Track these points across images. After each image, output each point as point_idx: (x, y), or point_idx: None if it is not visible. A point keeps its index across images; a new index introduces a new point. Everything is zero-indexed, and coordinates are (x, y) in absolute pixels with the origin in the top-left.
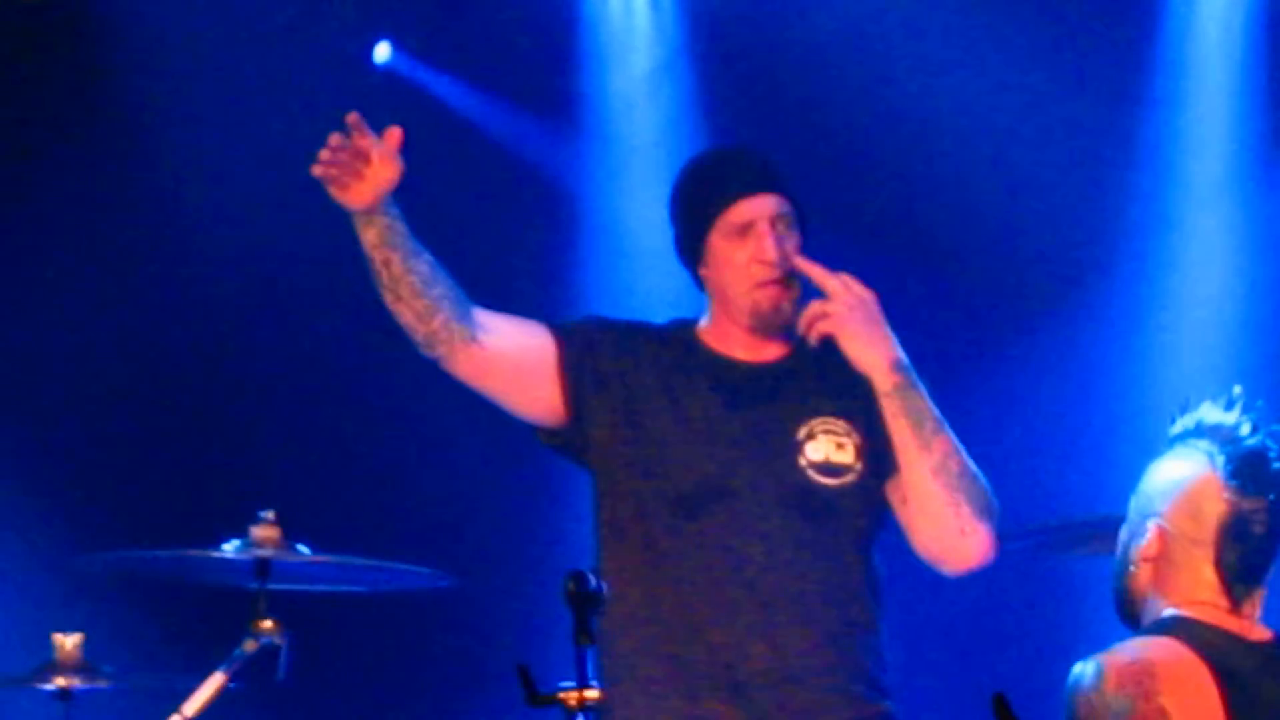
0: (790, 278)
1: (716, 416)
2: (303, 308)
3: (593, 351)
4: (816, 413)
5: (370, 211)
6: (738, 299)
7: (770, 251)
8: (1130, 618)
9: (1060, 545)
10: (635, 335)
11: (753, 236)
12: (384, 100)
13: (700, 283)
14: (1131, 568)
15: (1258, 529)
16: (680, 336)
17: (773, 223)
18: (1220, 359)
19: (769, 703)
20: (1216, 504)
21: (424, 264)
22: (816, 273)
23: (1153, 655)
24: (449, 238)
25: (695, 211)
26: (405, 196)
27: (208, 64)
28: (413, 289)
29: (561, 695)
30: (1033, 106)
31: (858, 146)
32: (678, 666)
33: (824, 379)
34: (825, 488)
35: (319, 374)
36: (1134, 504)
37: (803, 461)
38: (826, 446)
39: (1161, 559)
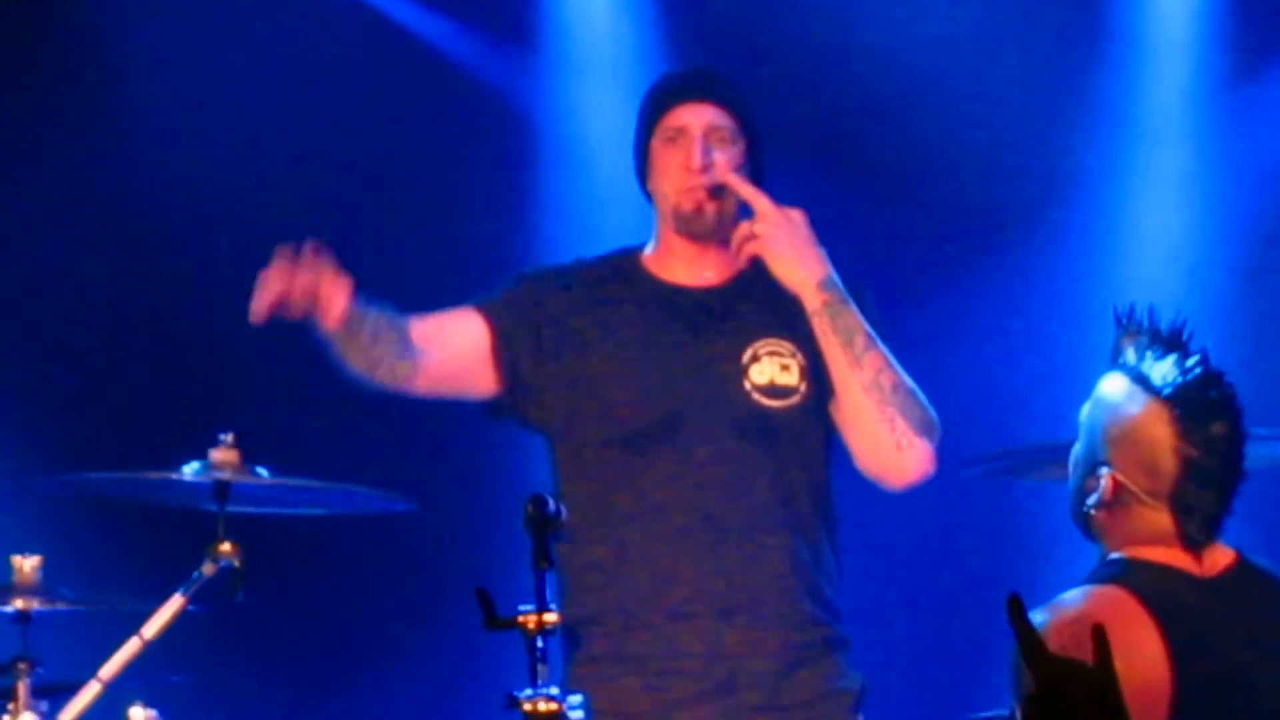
0: (719, 189)
1: (661, 347)
2: (263, 231)
3: (524, 316)
4: (760, 335)
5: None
6: (664, 203)
7: (695, 158)
8: (1092, 540)
9: (1021, 469)
10: (568, 280)
11: (683, 143)
12: (346, 26)
13: (649, 198)
14: (1088, 510)
15: (1213, 481)
16: (620, 265)
17: (706, 132)
18: (1175, 290)
19: (721, 631)
20: (1170, 458)
21: (367, 332)
22: (745, 191)
23: (1092, 609)
24: (411, 163)
25: (641, 119)
26: (370, 124)
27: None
28: (359, 357)
29: (520, 619)
30: (994, 26)
31: (821, 76)
32: (630, 597)
33: (768, 301)
34: (771, 410)
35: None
36: (1084, 437)
37: (747, 385)
38: (771, 369)
39: (1115, 505)
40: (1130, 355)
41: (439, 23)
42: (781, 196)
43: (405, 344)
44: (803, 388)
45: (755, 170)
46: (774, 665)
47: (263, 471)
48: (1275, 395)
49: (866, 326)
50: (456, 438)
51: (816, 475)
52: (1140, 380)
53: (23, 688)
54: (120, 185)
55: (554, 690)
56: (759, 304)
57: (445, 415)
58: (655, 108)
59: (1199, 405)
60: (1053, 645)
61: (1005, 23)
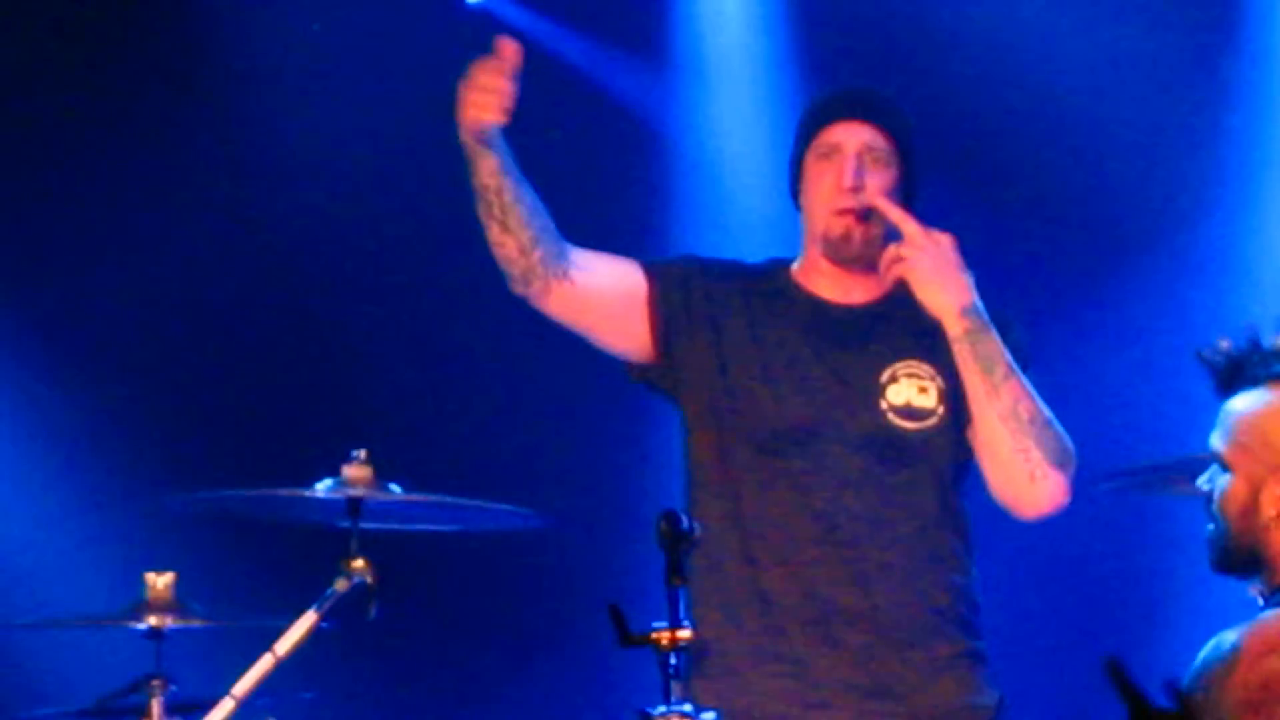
0: (868, 212)
1: (802, 359)
2: (395, 246)
3: (684, 290)
4: (900, 356)
5: (493, 136)
6: (814, 223)
7: (847, 178)
8: (1240, 571)
9: (1153, 485)
10: (728, 275)
11: (836, 161)
12: (476, 41)
13: (800, 211)
14: (1263, 521)
15: None
16: (773, 276)
17: (860, 151)
18: None
19: (856, 641)
20: None
21: (529, 195)
22: (895, 214)
23: None
24: (541, 178)
25: (798, 134)
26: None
27: (296, 7)
28: (520, 219)
29: (654, 635)
30: (1125, 49)
31: (956, 93)
32: (766, 605)
33: (913, 322)
34: (906, 431)
35: (412, 313)
36: (1240, 460)
37: (884, 405)
38: (908, 390)
39: None
40: (1257, 368)
41: (571, 37)
42: (921, 213)
43: (562, 245)
44: (940, 411)
45: (908, 193)
46: (907, 677)
47: (395, 488)
48: None
49: (1007, 356)
50: (590, 453)
51: (949, 496)
52: None
53: (156, 705)
54: (251, 200)
55: (687, 707)
56: (902, 325)
57: (579, 431)
58: (812, 123)
59: None
60: (1243, 668)
61: (1138, 45)
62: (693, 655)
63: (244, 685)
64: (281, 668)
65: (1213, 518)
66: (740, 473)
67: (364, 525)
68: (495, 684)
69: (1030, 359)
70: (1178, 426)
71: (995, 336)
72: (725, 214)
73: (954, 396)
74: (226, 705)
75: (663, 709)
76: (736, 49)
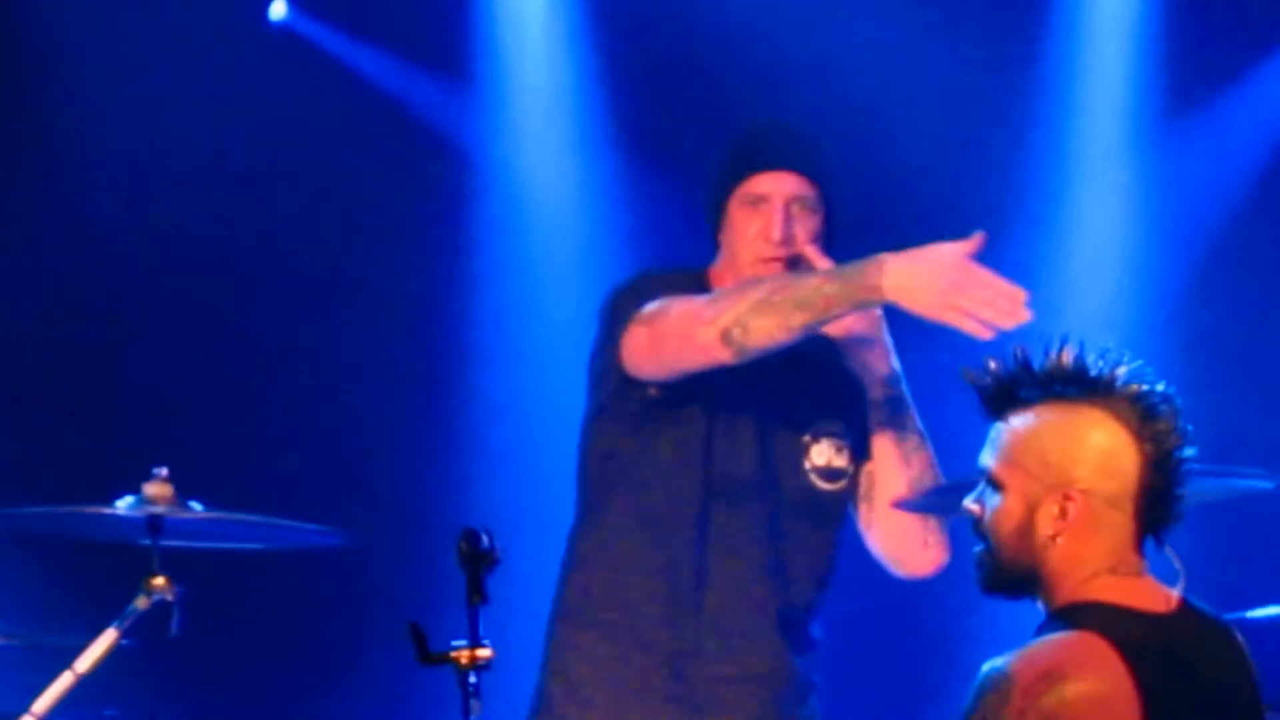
0: (794, 260)
1: (730, 408)
2: (197, 265)
3: None
4: (821, 414)
5: None
6: (738, 265)
7: (775, 230)
8: (1012, 591)
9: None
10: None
11: (764, 211)
12: (280, 57)
13: (716, 246)
14: (1043, 543)
15: (1171, 478)
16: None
17: (787, 202)
18: (1108, 322)
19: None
20: (1132, 458)
21: None
22: (822, 266)
23: (1065, 658)
24: (345, 196)
25: (720, 176)
26: (302, 155)
27: (100, 21)
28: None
29: (454, 654)
30: (931, 73)
31: (751, 110)
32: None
33: (832, 373)
34: (825, 493)
35: (213, 330)
36: (1015, 474)
37: (808, 465)
38: (829, 451)
39: (1082, 525)
40: (1054, 374)
41: (373, 53)
42: None
43: None
44: (849, 470)
45: (829, 234)
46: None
47: (196, 505)
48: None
49: (919, 425)
50: (392, 472)
51: (836, 550)
52: (1068, 393)
53: None
54: (56, 220)
55: None
56: (824, 375)
57: (381, 449)
58: (738, 168)
59: (1149, 406)
60: (1017, 698)
61: (945, 56)
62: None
63: (44, 702)
64: (83, 686)
65: (983, 538)
66: (662, 515)
67: (165, 542)
68: (297, 703)
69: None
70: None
71: (912, 406)
72: (528, 230)
73: (858, 456)
74: None
75: None
76: (539, 63)
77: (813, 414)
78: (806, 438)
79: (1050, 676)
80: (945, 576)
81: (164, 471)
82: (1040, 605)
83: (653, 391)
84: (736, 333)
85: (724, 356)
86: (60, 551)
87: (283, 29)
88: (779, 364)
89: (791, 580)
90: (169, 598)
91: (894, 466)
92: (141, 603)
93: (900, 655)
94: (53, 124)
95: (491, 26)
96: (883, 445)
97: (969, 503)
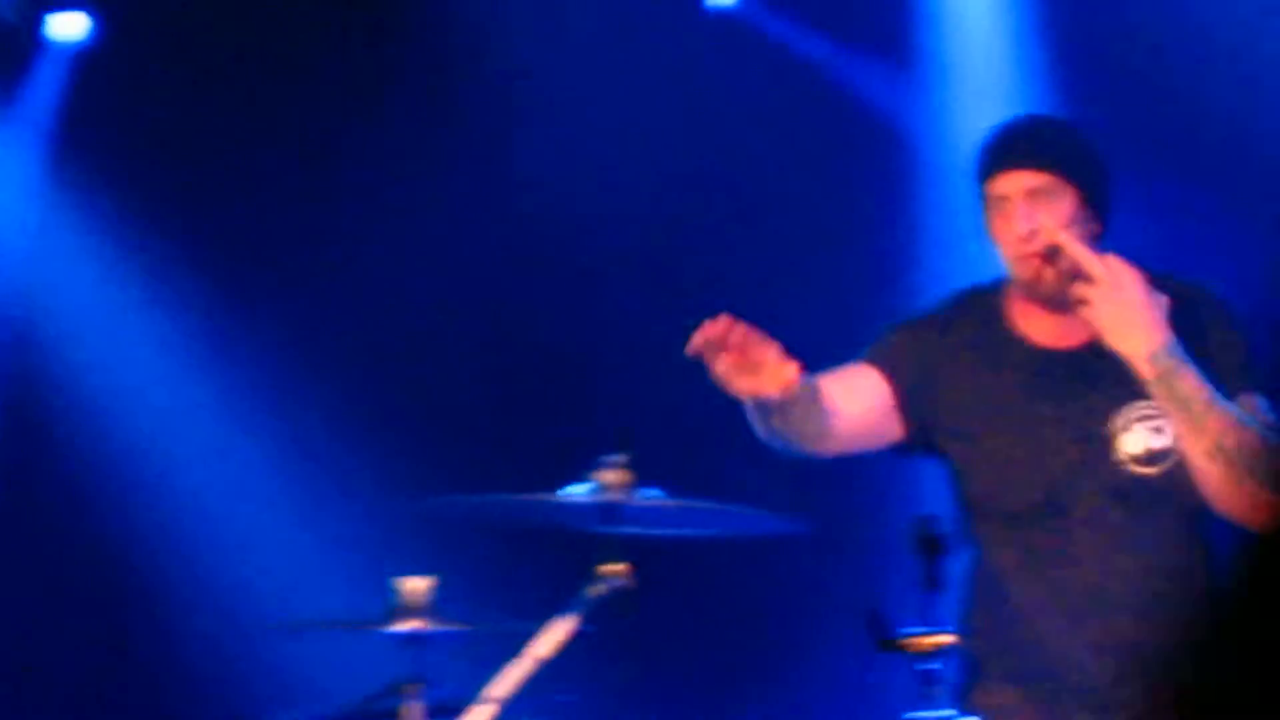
0: (1053, 250)
1: (1032, 420)
2: (652, 246)
3: (916, 368)
4: (1129, 399)
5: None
6: (1008, 271)
7: (1017, 226)
8: None
9: None
10: (938, 333)
11: (1007, 211)
12: (716, 43)
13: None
14: None
15: None
16: (983, 316)
17: (1027, 197)
18: None
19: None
20: None
21: (800, 406)
22: (1076, 252)
23: None
24: (785, 181)
25: (974, 186)
26: (745, 141)
27: (536, 13)
28: (787, 428)
29: (909, 641)
30: None
31: (1185, 94)
32: (1026, 681)
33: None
34: (1148, 478)
35: (672, 314)
36: None
37: (1121, 456)
38: (1143, 435)
39: None
40: None
41: (814, 38)
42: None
43: (822, 412)
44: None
45: (1096, 210)
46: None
47: (654, 493)
48: None
49: (1205, 391)
50: (850, 457)
51: (1202, 528)
52: None
53: (416, 708)
54: (506, 202)
55: (949, 712)
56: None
57: None
58: (980, 175)
59: None
60: None
61: None
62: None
63: (503, 687)
64: (540, 672)
65: None
66: (989, 544)
67: (623, 529)
68: (751, 688)
69: (1252, 371)
70: None
71: (1190, 372)
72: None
73: None
74: (487, 708)
75: (924, 715)
76: (980, 50)
77: (1119, 401)
78: (1116, 427)
79: None
80: None
81: (621, 458)
82: None
83: None
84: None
85: None
86: (516, 538)
87: (719, 14)
88: (1075, 359)
89: (1144, 581)
90: (627, 584)
91: (1186, 440)
92: (599, 589)
93: None
94: (505, 116)
95: (933, 7)
96: (1171, 420)
97: None
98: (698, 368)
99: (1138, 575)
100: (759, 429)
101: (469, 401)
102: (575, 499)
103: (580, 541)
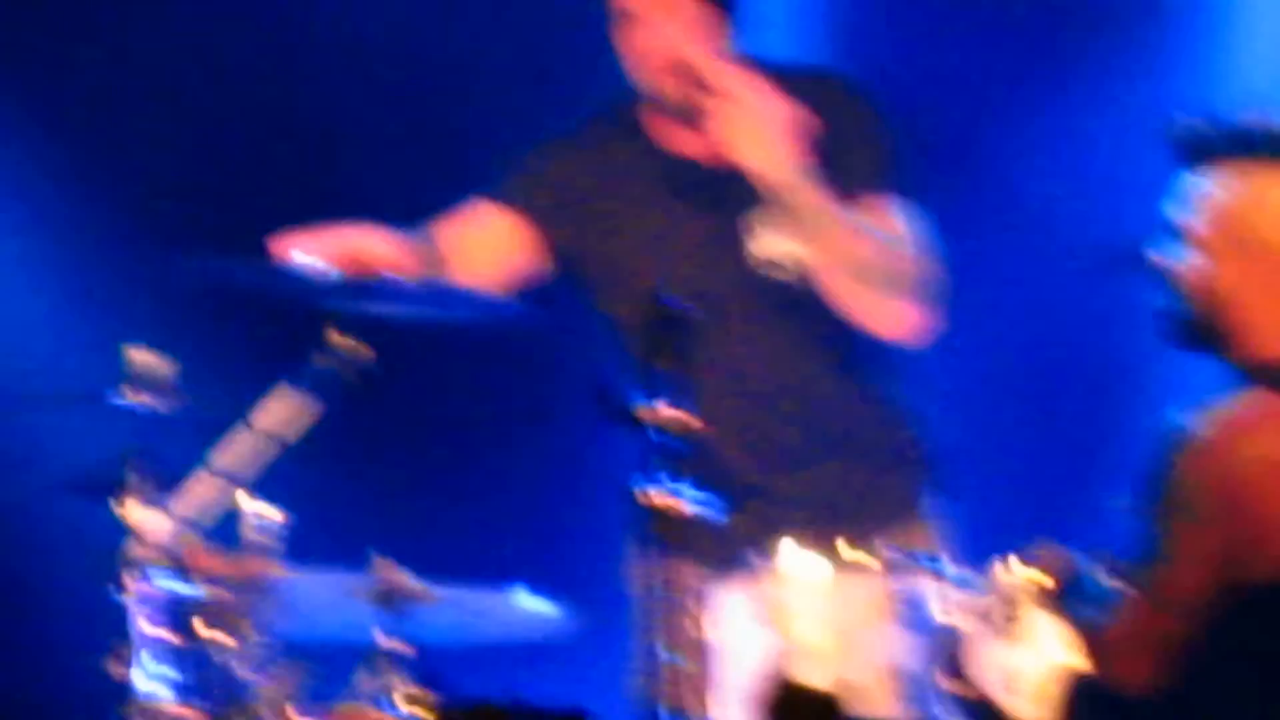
0: (678, 65)
1: (672, 228)
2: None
3: (548, 194)
4: (764, 205)
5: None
6: (637, 85)
7: (641, 41)
8: (1196, 347)
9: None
10: (578, 153)
11: (629, 25)
12: None
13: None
14: (1228, 298)
15: None
16: (627, 129)
17: (650, 8)
18: None
19: (778, 507)
20: None
21: (412, 250)
22: (701, 65)
23: (1250, 420)
24: None
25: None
26: None
27: None
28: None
29: (641, 412)
30: None
31: None
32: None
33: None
34: (780, 283)
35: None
36: (1210, 229)
37: (754, 260)
38: (775, 240)
39: (1273, 286)
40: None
41: None
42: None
43: (441, 264)
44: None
45: (723, 10)
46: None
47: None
48: None
49: (830, 207)
50: None
51: (843, 328)
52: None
53: (141, 479)
54: None
55: (680, 486)
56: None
57: None
58: None
59: None
60: (1205, 456)
61: None
62: None
63: (227, 458)
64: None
65: (1170, 293)
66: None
67: (360, 307)
68: (486, 464)
69: (887, 169)
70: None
71: (813, 188)
72: None
73: None
74: (211, 478)
75: (653, 485)
76: None
77: (750, 208)
78: (750, 232)
79: (1236, 435)
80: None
81: None
82: (1224, 362)
83: None
84: None
85: None
86: (251, 311)
87: None
88: (703, 172)
89: (792, 380)
90: (358, 359)
91: (815, 253)
92: (330, 360)
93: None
94: None
95: None
96: (799, 235)
97: (1155, 256)
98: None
99: (771, 377)
100: None
101: (211, 166)
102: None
103: (317, 317)
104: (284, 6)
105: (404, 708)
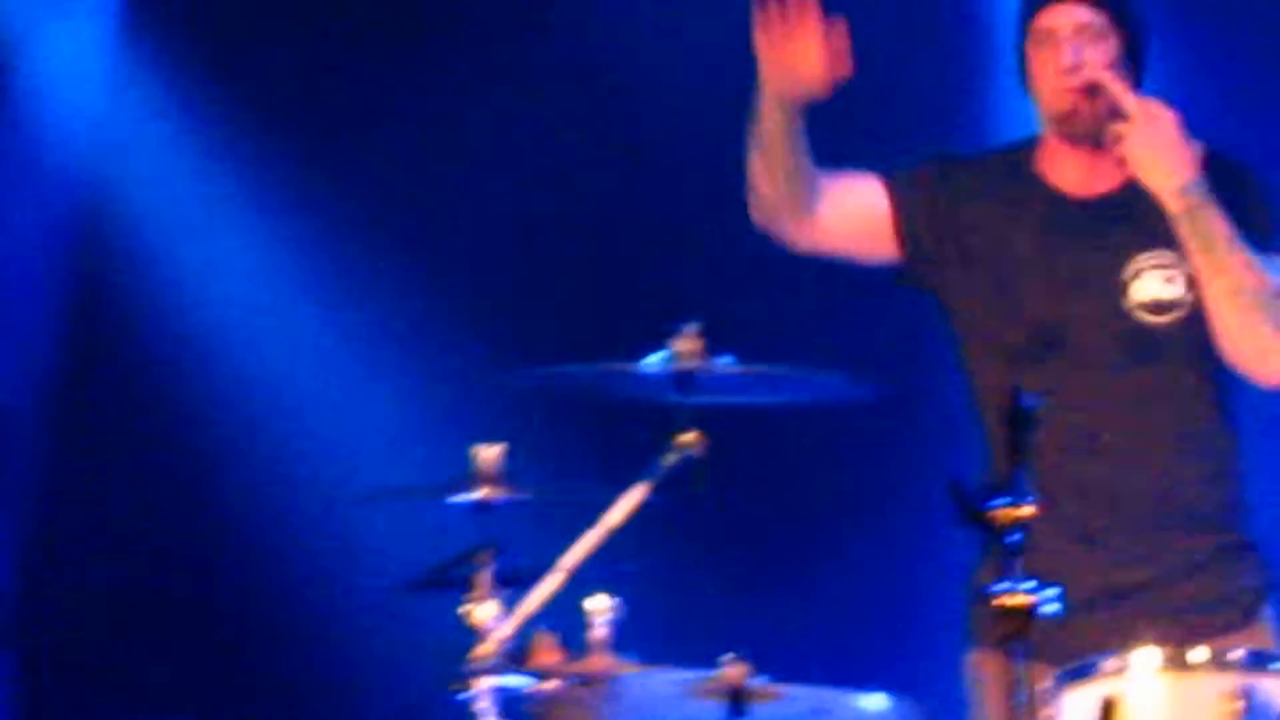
0: (1092, 89)
1: (1045, 260)
2: (723, 117)
3: (929, 199)
4: (1145, 247)
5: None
6: (1043, 106)
7: (1065, 59)
8: None
9: None
10: (968, 172)
11: (1053, 44)
12: None
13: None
14: None
15: None
16: (1014, 162)
17: (1075, 32)
18: None
19: (1115, 552)
20: None
21: (803, 143)
22: (1115, 89)
23: None
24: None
25: (1017, 23)
26: None
27: None
28: (784, 168)
29: (993, 512)
30: None
31: None
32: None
33: (1156, 207)
34: (1155, 327)
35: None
36: None
37: (1130, 303)
38: (1154, 284)
39: None
40: None
41: None
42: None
43: (813, 188)
44: (1189, 298)
45: (1134, 60)
46: (1152, 575)
47: (727, 360)
48: None
49: (1229, 231)
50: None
51: (1213, 386)
52: None
53: (485, 576)
54: (575, 78)
55: (1031, 584)
56: (1146, 211)
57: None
58: (1027, 10)
59: None
60: None
61: None
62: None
63: (573, 556)
64: (608, 541)
65: None
66: (992, 381)
67: (695, 399)
68: (824, 556)
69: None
70: None
71: (1216, 212)
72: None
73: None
74: (556, 576)
75: (1006, 585)
76: None
77: (1134, 249)
78: (1127, 274)
79: None
80: None
81: (694, 326)
82: None
83: None
84: None
85: None
86: (589, 409)
87: None
88: (1099, 204)
89: (1145, 431)
90: (697, 454)
91: (1207, 278)
92: (670, 459)
93: None
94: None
95: None
96: (1192, 259)
97: None
98: (769, 240)
99: (1135, 425)
100: (751, 177)
101: (544, 271)
102: (649, 368)
103: (654, 411)
104: (621, 111)
105: None
